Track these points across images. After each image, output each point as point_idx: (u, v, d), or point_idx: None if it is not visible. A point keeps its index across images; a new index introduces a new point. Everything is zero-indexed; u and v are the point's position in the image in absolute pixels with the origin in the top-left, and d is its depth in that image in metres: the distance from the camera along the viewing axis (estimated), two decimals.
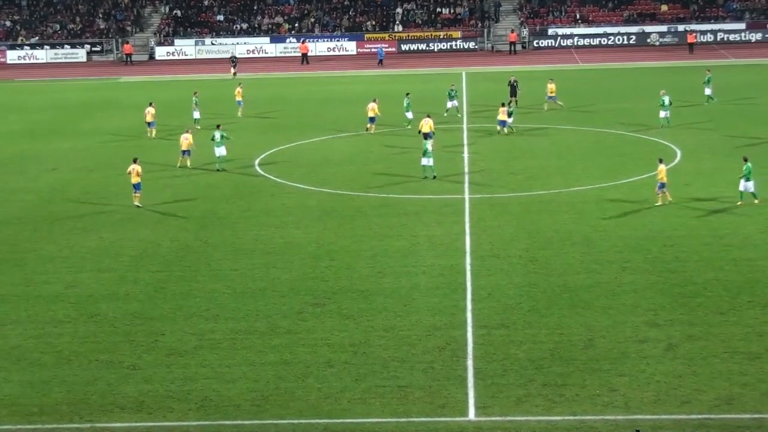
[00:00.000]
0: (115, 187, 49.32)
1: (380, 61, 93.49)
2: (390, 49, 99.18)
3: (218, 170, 51.77)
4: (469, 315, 31.96)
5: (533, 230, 40.42)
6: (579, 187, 46.80)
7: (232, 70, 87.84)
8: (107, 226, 42.90)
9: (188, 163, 52.61)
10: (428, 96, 69.50)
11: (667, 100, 59.77)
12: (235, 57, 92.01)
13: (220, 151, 51.90)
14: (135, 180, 45.25)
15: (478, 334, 30.49)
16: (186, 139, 52.56)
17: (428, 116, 55.15)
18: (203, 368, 28.81)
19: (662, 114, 59.86)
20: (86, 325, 32.16)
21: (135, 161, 45.83)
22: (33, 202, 47.38)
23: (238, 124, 64.11)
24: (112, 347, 30.42)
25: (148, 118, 61.49)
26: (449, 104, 64.68)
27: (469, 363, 28.60)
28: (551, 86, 66.57)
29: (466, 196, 46.00)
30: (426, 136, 52.49)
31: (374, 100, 61.02)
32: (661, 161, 43.65)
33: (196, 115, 63.15)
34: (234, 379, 28.06)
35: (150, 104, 62.66)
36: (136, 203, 45.32)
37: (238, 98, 68.09)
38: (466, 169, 50.82)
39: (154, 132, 61.43)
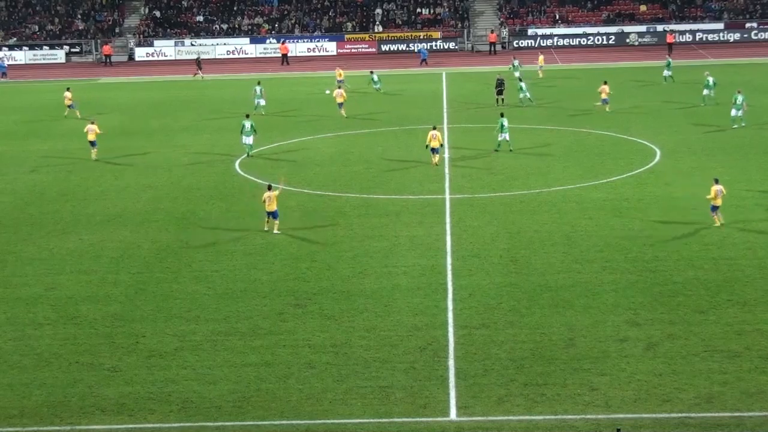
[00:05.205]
0: (94, 189, 49.18)
1: (424, 61, 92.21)
2: (370, 50, 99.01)
3: (248, 156, 54.59)
4: (450, 315, 31.98)
5: (514, 230, 40.48)
6: (559, 187, 46.90)
7: (199, 73, 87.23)
8: (87, 227, 42.75)
9: (94, 155, 55.63)
10: (418, 96, 69.54)
11: (740, 98, 58.39)
12: (200, 58, 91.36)
13: (248, 140, 54.53)
14: (270, 208, 40.33)
15: (459, 334, 30.52)
16: (92, 131, 55.69)
17: (435, 128, 51.79)
18: (184, 370, 28.74)
19: (734, 113, 58.38)
20: (66, 327, 32.03)
21: (269, 188, 40.70)
22: (12, 204, 47.17)
23: (221, 125, 63.94)
24: (92, 349, 30.31)
25: (67, 102, 67.72)
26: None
27: (451, 363, 28.63)
28: (605, 87, 66.18)
29: (447, 196, 46.03)
30: (434, 150, 50.72)
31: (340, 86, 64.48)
32: (716, 181, 40.48)
33: (262, 102, 66.79)
34: (215, 381, 28.00)
35: (67, 89, 69.07)
36: (273, 229, 40.69)
37: (339, 78, 74.67)
38: (447, 169, 50.87)
39: (78, 113, 66.77)
